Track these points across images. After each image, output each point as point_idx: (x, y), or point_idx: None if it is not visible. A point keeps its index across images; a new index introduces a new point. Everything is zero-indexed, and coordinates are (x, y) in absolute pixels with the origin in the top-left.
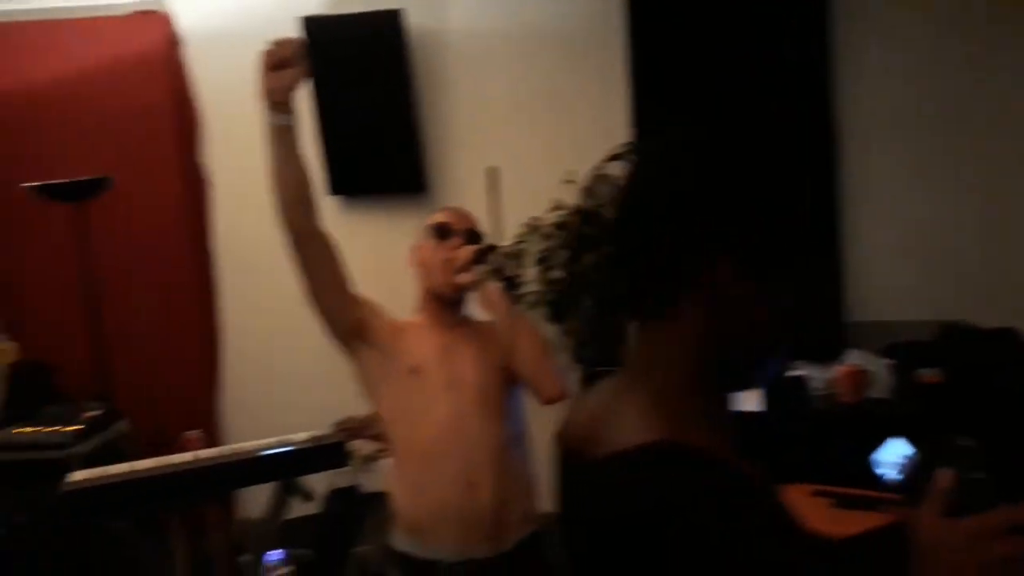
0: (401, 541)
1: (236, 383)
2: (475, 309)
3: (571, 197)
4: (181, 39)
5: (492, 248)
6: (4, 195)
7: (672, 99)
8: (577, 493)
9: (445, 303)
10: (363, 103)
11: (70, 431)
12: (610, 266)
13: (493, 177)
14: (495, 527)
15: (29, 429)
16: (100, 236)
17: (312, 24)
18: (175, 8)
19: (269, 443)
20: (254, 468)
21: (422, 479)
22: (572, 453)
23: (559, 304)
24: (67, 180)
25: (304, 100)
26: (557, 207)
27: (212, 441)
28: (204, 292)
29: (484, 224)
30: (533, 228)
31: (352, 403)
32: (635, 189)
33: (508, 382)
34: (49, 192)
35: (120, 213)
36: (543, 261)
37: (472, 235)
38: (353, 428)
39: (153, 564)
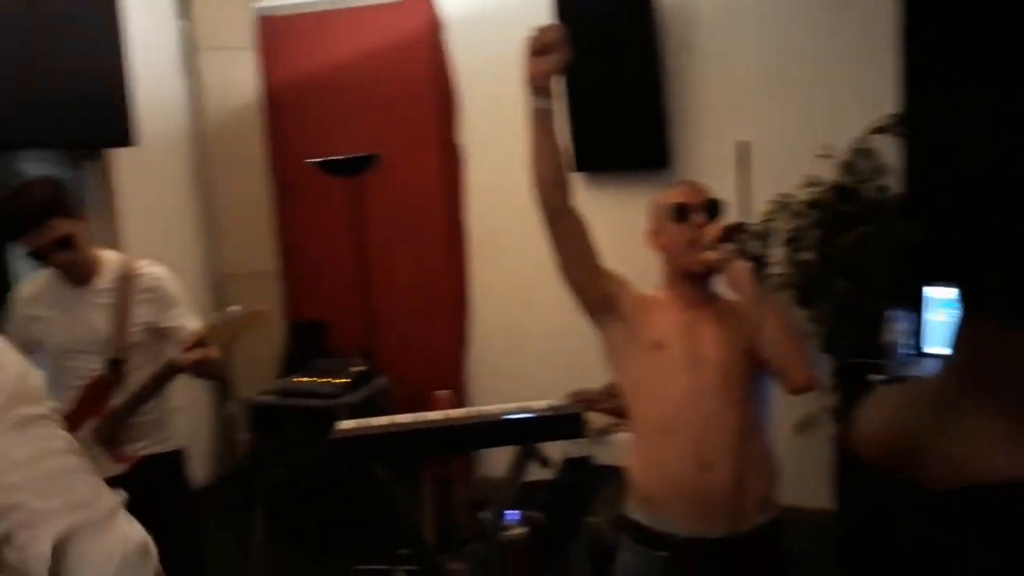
0: (634, 510)
1: (482, 348)
2: (722, 287)
3: (826, 173)
4: (443, 23)
5: (740, 225)
6: (294, 169)
7: (952, 63)
8: (923, 521)
9: (690, 281)
10: (609, 78)
11: (339, 383)
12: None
13: (743, 151)
14: (728, 509)
15: (306, 379)
16: (370, 207)
17: (563, 2)
18: None
19: (511, 408)
20: (497, 431)
21: (656, 454)
22: (882, 464)
23: (808, 288)
24: (343, 157)
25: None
26: (810, 183)
27: (459, 401)
28: (457, 261)
29: (731, 201)
30: (783, 206)
31: (590, 374)
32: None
33: (752, 366)
34: (328, 167)
35: (387, 186)
36: (792, 241)
37: (710, 207)
38: (589, 400)
39: (406, 510)
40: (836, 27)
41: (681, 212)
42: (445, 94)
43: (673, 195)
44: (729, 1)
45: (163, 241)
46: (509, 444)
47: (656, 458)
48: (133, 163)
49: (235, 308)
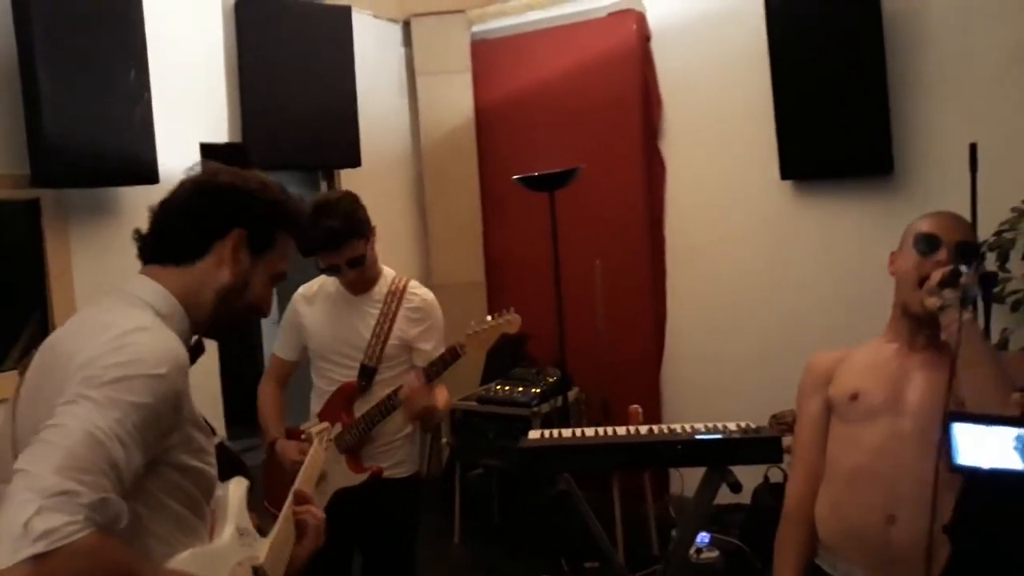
0: (821, 557)
1: (678, 363)
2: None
3: None
4: (650, 34)
5: (966, 268)
6: (501, 186)
7: None
8: None
9: (915, 321)
10: (825, 77)
11: (535, 392)
12: None
13: (974, 154)
14: (913, 567)
15: (507, 387)
16: (569, 219)
17: (775, 2)
18: (647, 3)
19: (703, 428)
20: (688, 450)
21: (842, 500)
22: None
23: None
24: (544, 172)
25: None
26: None
27: (651, 416)
28: (655, 274)
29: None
30: (1021, 213)
31: (790, 396)
32: None
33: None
34: (530, 183)
35: (590, 198)
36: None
37: (964, 249)
38: (789, 424)
39: (595, 523)
40: None
41: (928, 244)
42: (650, 104)
43: (926, 223)
44: None
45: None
46: (700, 464)
47: (842, 505)
48: (358, 181)
49: (498, 318)
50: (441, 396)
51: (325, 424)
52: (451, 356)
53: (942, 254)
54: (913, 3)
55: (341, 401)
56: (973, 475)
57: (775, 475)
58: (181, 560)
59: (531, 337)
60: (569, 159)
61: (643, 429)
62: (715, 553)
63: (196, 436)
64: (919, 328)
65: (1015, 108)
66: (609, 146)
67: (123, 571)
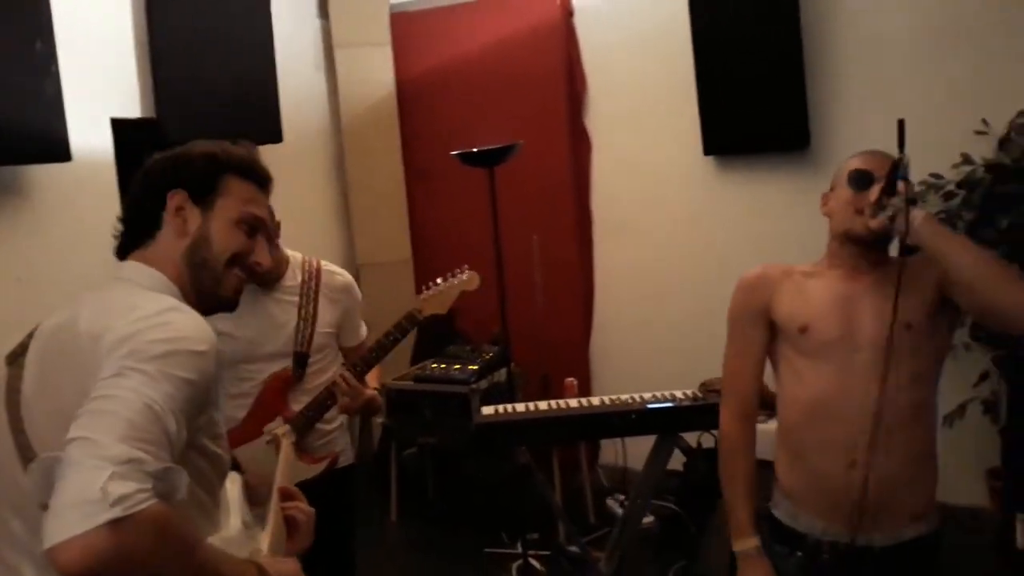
0: (775, 505)
1: (606, 335)
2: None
3: (982, 151)
4: (574, 10)
5: (895, 169)
6: (427, 160)
7: None
8: None
9: (858, 246)
10: (745, 58)
11: (472, 369)
12: None
13: (902, 131)
14: (875, 515)
15: (443, 365)
16: (500, 195)
17: None
18: None
19: (650, 397)
20: (641, 419)
21: (800, 445)
22: None
23: None
24: (484, 148)
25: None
26: (964, 162)
27: (583, 388)
28: (583, 248)
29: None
30: (932, 186)
31: (715, 364)
32: None
33: (931, 334)
34: (469, 159)
35: (516, 174)
36: (943, 224)
37: (893, 167)
38: (718, 391)
39: (536, 492)
40: None
41: (860, 180)
42: (575, 80)
43: (860, 161)
44: None
45: (303, 232)
46: (653, 432)
47: (800, 450)
48: (278, 157)
49: (451, 278)
50: (373, 382)
51: (286, 427)
52: (409, 322)
53: (876, 187)
54: None
55: (275, 395)
56: None
57: (707, 440)
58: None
59: (460, 313)
60: (495, 134)
61: (595, 401)
62: (651, 519)
63: (217, 420)
64: (862, 253)
65: (927, 85)
66: (535, 121)
67: (188, 541)
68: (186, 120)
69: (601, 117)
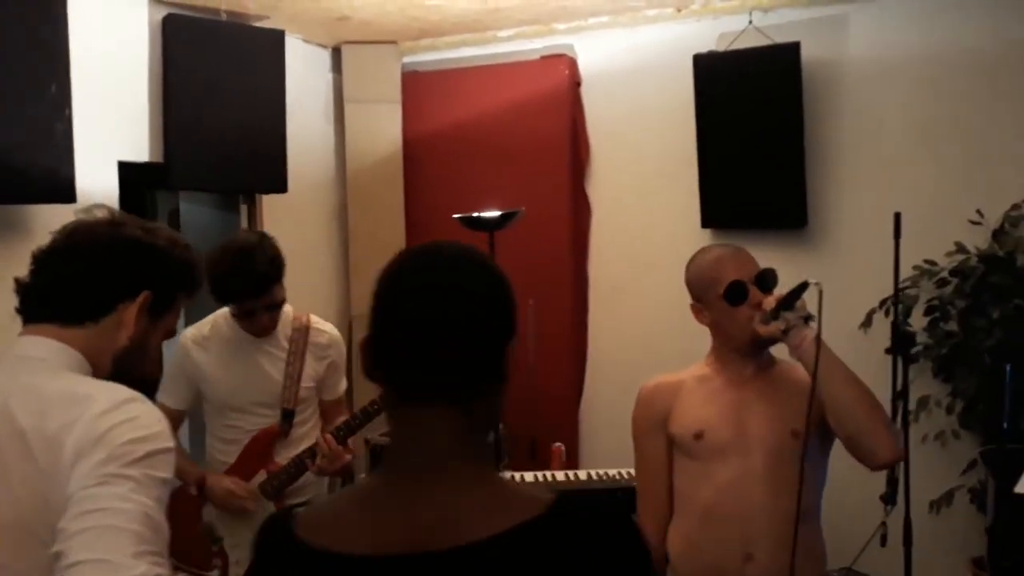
0: None
1: (597, 400)
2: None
3: (976, 240)
4: (581, 80)
5: (801, 289)
6: (428, 219)
7: None
8: None
9: (744, 353)
10: (748, 137)
11: None
12: None
13: (898, 222)
14: None
15: None
16: (502, 257)
17: (703, 61)
18: (579, 50)
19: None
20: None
21: (697, 538)
22: None
23: (948, 360)
24: (485, 213)
25: (688, 131)
26: (958, 250)
27: (571, 452)
28: (579, 313)
29: (879, 270)
30: (925, 272)
31: None
32: None
33: (815, 443)
34: (470, 223)
35: (517, 237)
36: (934, 311)
37: (763, 278)
38: None
39: None
40: (988, 91)
41: (737, 294)
42: (578, 147)
43: (719, 270)
44: (878, 62)
45: (301, 281)
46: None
47: (698, 543)
48: (281, 207)
49: None
50: (351, 449)
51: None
52: None
53: (754, 295)
54: (831, 70)
55: (261, 448)
56: None
57: None
58: None
59: None
60: (497, 197)
61: (582, 475)
62: None
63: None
64: (747, 359)
65: (925, 173)
66: (537, 186)
67: None
68: (192, 166)
69: (603, 184)
